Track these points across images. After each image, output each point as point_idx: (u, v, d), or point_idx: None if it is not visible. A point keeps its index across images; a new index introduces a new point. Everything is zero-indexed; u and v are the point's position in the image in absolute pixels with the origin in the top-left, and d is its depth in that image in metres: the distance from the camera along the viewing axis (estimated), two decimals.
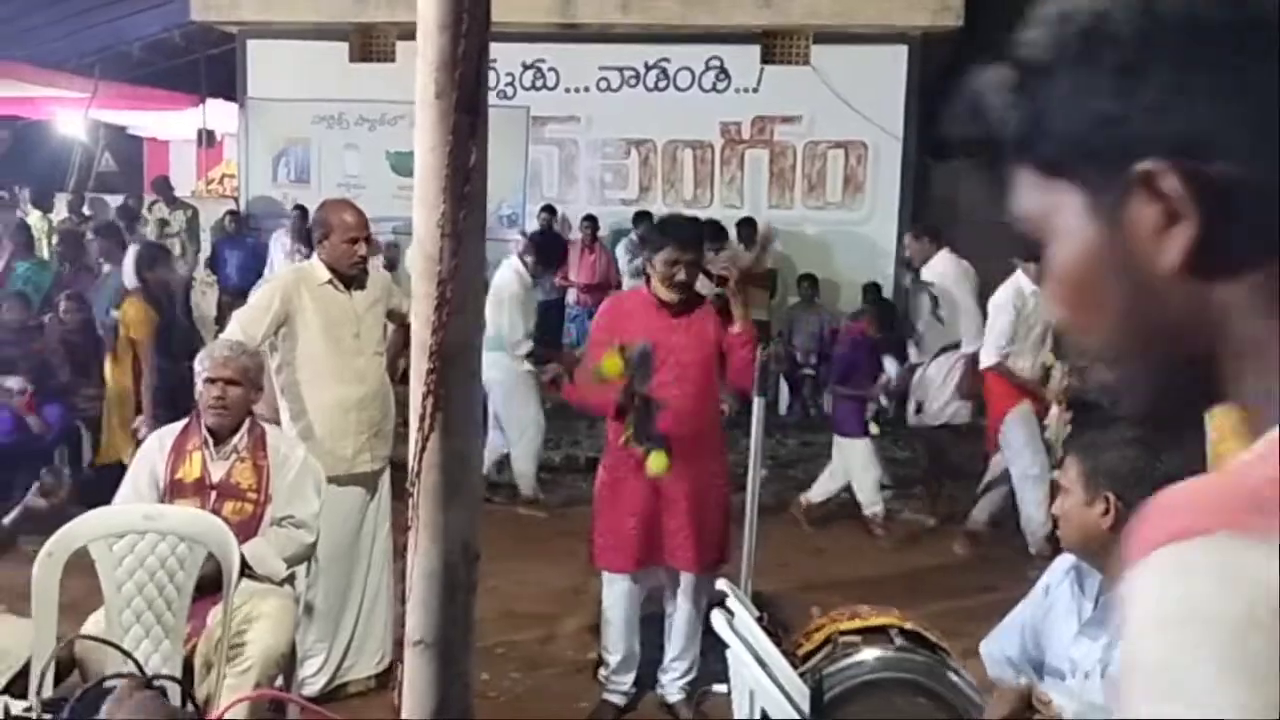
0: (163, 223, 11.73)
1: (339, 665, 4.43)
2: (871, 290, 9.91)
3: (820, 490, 6.88)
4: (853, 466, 6.73)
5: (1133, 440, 2.48)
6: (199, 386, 3.85)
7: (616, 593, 4.26)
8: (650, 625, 4.43)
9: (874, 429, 6.68)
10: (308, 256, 9.92)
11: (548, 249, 7.41)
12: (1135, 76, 0.67)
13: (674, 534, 4.11)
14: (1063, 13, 0.71)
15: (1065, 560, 2.63)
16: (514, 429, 6.91)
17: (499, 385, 6.53)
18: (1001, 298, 6.19)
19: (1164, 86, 0.66)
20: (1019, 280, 6.11)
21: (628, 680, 4.35)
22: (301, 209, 11.21)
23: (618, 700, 4.35)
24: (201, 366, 3.85)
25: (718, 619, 2.49)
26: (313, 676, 4.33)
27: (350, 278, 4.35)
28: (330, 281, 4.33)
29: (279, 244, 11.06)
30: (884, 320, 7.06)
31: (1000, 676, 2.74)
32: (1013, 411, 6.13)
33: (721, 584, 2.62)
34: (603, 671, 4.39)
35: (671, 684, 4.33)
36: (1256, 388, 0.67)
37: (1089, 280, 0.72)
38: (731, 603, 2.48)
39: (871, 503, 6.67)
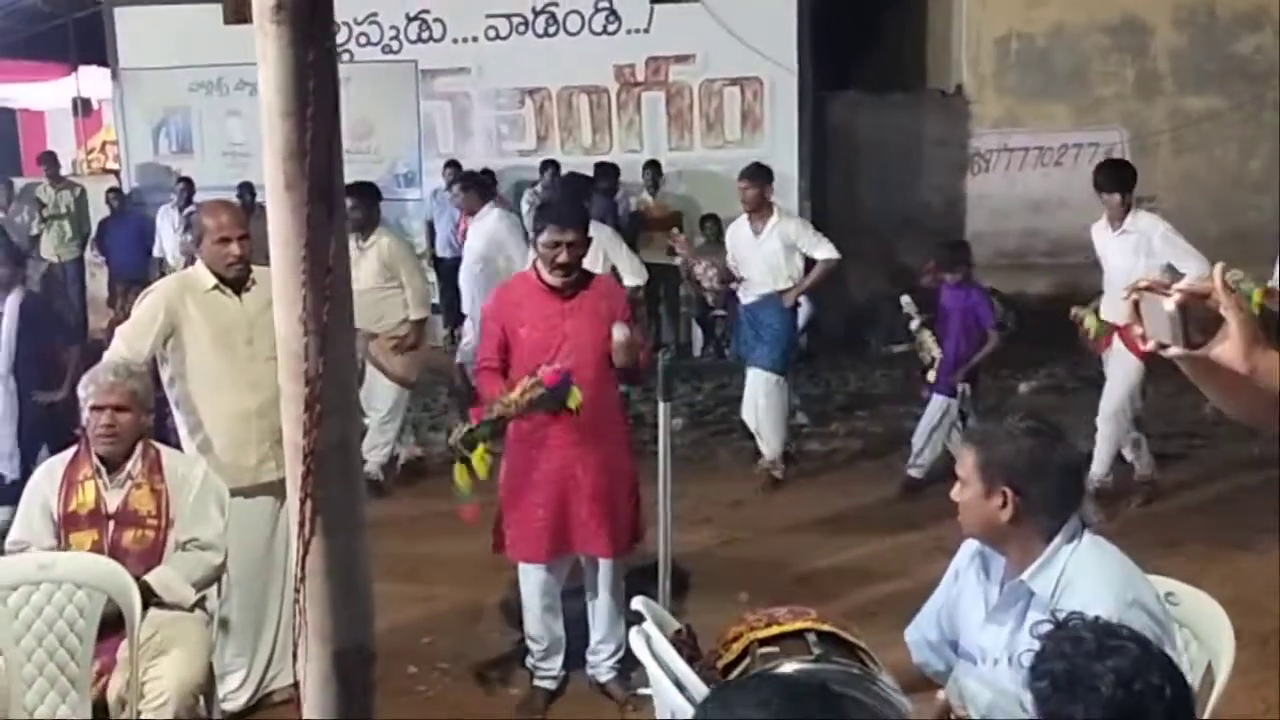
0: (40, 204, 11.24)
1: (262, 677, 4.34)
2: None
3: None
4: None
5: (1027, 431, 2.50)
6: (85, 414, 3.69)
7: (532, 583, 4.22)
8: (574, 600, 4.40)
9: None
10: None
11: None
12: None
13: (585, 522, 4.07)
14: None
15: (971, 544, 2.65)
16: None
17: None
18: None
19: None
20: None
21: (556, 665, 4.34)
22: (186, 180, 10.84)
23: (549, 685, 4.34)
24: (86, 393, 3.68)
25: (636, 641, 2.46)
26: (235, 691, 4.25)
27: (235, 280, 4.18)
28: (217, 287, 4.16)
29: (167, 219, 10.71)
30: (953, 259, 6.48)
31: (924, 661, 2.77)
32: None
33: (638, 603, 2.60)
34: (530, 659, 4.37)
35: (601, 664, 4.33)
36: None
37: None
38: (649, 625, 2.46)
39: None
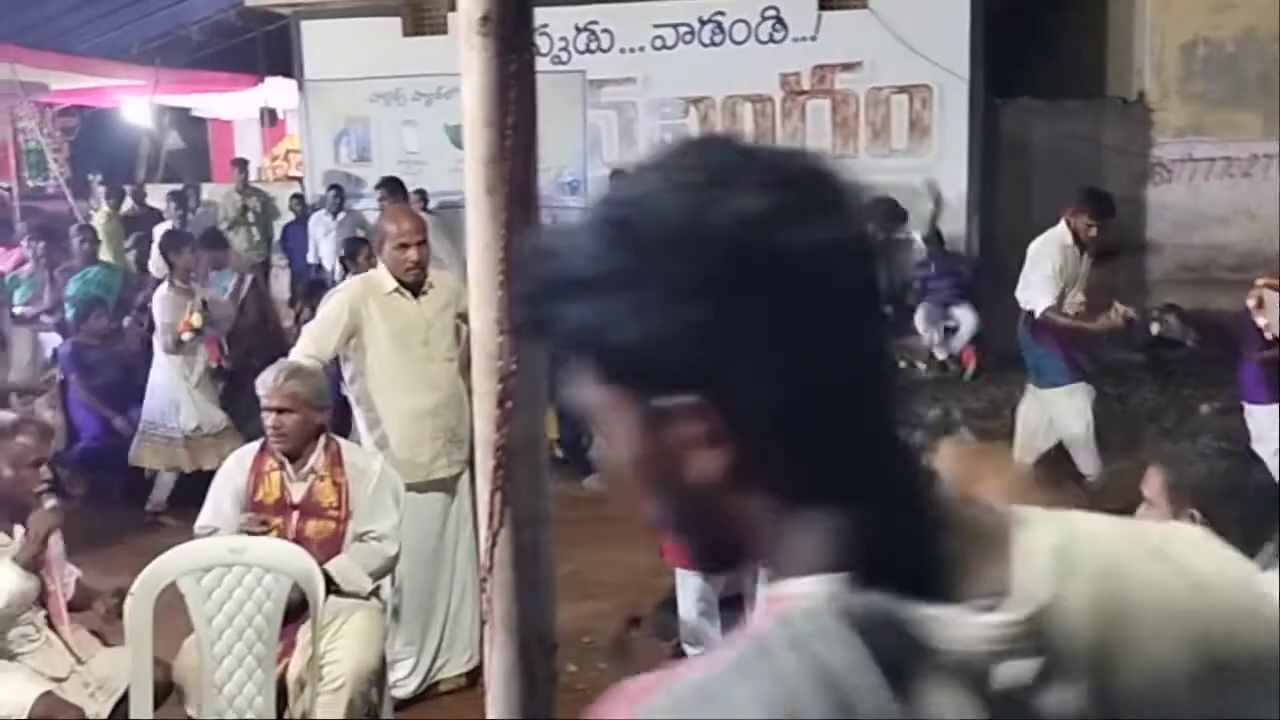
0: (244, 208, 11.84)
1: (430, 666, 4.49)
2: (934, 240, 9.74)
3: None
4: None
5: (1220, 452, 2.38)
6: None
7: (689, 588, 4.24)
8: (731, 607, 4.40)
9: None
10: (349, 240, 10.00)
11: None
12: (685, 304, 0.69)
13: None
14: (618, 234, 0.73)
15: None
16: None
17: None
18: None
19: (708, 318, 0.69)
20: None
21: None
22: (336, 188, 11.21)
23: None
24: (260, 392, 3.88)
25: None
26: (405, 679, 4.40)
27: (413, 284, 4.34)
28: (396, 290, 4.33)
29: (320, 225, 11.05)
30: None
31: None
32: None
33: None
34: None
35: None
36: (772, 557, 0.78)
37: (641, 475, 0.78)
38: None
39: None
